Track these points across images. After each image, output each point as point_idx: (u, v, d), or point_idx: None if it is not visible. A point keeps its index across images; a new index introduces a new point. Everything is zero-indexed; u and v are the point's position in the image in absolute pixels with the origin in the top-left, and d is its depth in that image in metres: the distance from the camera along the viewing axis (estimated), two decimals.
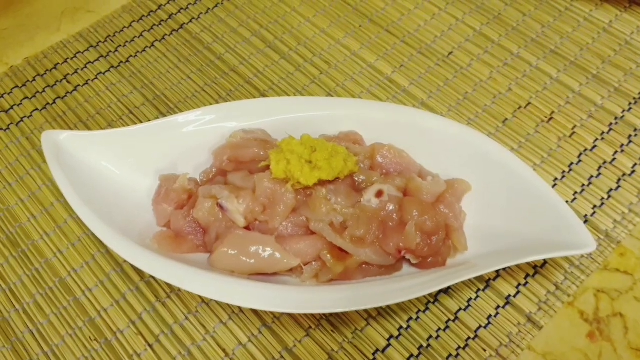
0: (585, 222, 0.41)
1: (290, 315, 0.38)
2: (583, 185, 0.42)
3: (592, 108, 0.46)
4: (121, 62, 0.52)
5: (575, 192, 0.42)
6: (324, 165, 0.37)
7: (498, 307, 0.38)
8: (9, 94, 0.50)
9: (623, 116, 0.46)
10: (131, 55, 0.52)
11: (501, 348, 0.36)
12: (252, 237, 0.37)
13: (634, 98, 0.47)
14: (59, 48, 0.53)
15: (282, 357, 0.36)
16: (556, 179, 0.43)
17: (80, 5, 0.57)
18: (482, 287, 0.38)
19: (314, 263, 0.37)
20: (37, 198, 0.44)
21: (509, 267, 0.39)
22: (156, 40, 0.53)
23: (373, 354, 0.36)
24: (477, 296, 0.38)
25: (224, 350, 0.37)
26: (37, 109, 0.49)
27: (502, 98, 0.47)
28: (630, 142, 0.44)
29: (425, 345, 0.36)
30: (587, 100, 0.47)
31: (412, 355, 0.36)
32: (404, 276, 0.37)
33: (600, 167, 0.43)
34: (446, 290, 0.38)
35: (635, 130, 0.45)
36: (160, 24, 0.54)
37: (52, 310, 0.39)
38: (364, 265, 0.37)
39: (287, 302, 0.35)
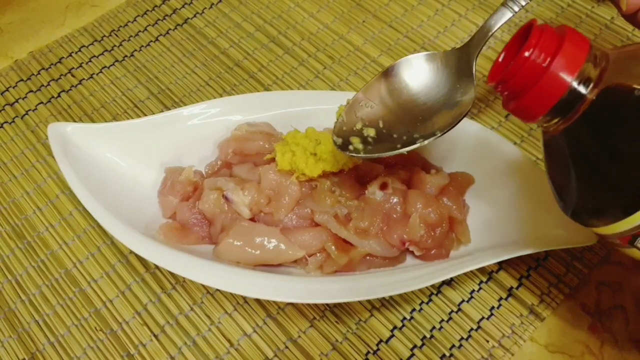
0: None
1: (294, 306, 0.38)
2: None
3: None
4: (126, 56, 0.52)
5: None
6: (329, 158, 0.37)
7: (501, 298, 0.38)
8: (14, 87, 0.51)
9: None
10: (136, 50, 0.52)
11: (504, 339, 0.36)
12: (257, 228, 0.37)
13: None
14: (64, 42, 0.53)
15: (286, 347, 0.37)
16: None
17: (84, 0, 0.57)
18: (484, 279, 0.39)
19: (318, 254, 0.37)
20: (43, 190, 0.44)
21: (511, 259, 0.39)
22: (160, 34, 0.53)
23: (377, 345, 0.37)
24: (480, 288, 0.38)
25: (228, 341, 0.37)
26: (42, 103, 0.49)
27: None
28: None
29: (428, 336, 0.37)
30: None
31: (415, 346, 0.36)
32: (407, 267, 0.37)
33: None
34: (449, 282, 0.39)
35: None
36: (164, 19, 0.54)
37: (58, 301, 0.39)
38: (368, 257, 0.37)
39: (291, 292, 0.35)
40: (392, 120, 0.35)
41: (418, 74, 0.36)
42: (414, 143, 0.33)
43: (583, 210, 0.27)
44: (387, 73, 0.36)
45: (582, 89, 0.25)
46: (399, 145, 0.34)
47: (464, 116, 0.33)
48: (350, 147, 0.34)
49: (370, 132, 0.35)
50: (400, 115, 0.35)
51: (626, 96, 0.25)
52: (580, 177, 0.26)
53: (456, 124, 0.33)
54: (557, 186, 0.29)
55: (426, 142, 0.33)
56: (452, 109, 0.34)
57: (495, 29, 0.34)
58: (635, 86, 0.25)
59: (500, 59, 0.28)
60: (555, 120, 0.26)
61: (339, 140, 0.35)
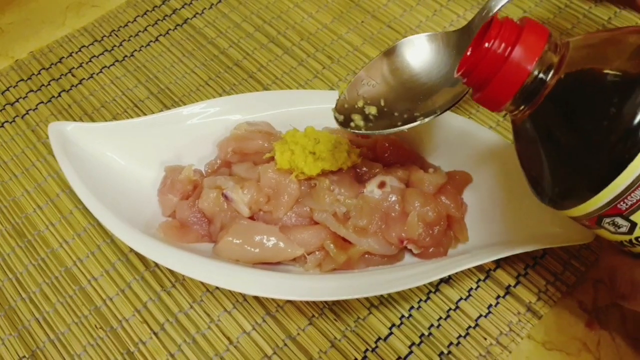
0: None
1: (293, 303, 0.38)
2: None
3: None
4: (126, 56, 0.52)
5: None
6: (327, 156, 0.38)
7: (498, 296, 0.38)
8: (14, 87, 0.51)
9: None
10: (136, 50, 0.53)
11: (501, 336, 0.37)
12: (256, 226, 0.37)
13: None
14: (64, 42, 0.54)
15: (285, 345, 0.37)
16: None
17: (84, 0, 0.57)
18: (482, 278, 0.39)
19: (317, 252, 0.37)
20: (43, 189, 0.45)
21: (508, 258, 0.39)
22: (160, 34, 0.53)
23: (375, 342, 0.37)
24: (478, 286, 0.39)
25: (228, 338, 0.37)
26: (42, 102, 0.50)
27: None
28: None
29: (426, 333, 0.37)
30: None
31: (413, 344, 0.37)
32: (405, 265, 0.38)
33: None
34: (447, 280, 0.39)
35: None
36: (164, 19, 0.55)
37: (58, 299, 0.40)
38: (366, 255, 0.38)
39: (290, 290, 0.35)
40: (394, 99, 0.36)
41: (420, 54, 0.36)
42: (415, 121, 0.34)
43: (553, 194, 0.28)
44: (389, 52, 0.37)
45: (542, 76, 0.26)
46: (399, 123, 0.34)
47: (464, 95, 0.33)
48: (352, 124, 0.35)
49: (372, 110, 0.35)
50: (402, 94, 0.36)
51: (584, 80, 0.26)
52: (546, 161, 0.27)
53: (456, 102, 0.33)
54: (528, 173, 0.30)
55: (427, 119, 0.33)
56: (452, 88, 0.34)
57: (496, 9, 0.35)
58: (593, 67, 0.26)
59: (468, 53, 0.28)
60: (521, 108, 0.27)
61: (341, 117, 0.35)
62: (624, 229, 0.27)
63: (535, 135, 0.28)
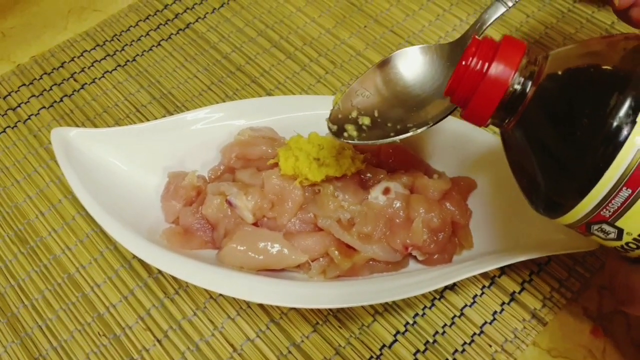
0: None
1: (297, 311, 0.38)
2: None
3: None
4: (128, 60, 0.52)
5: None
6: (331, 162, 0.38)
7: (503, 303, 0.38)
8: (16, 92, 0.51)
9: None
10: (138, 54, 0.52)
11: (506, 343, 0.37)
12: (260, 233, 0.37)
13: None
14: (66, 47, 0.53)
15: (289, 352, 0.37)
16: None
17: (86, 4, 0.57)
18: (487, 284, 0.39)
19: (321, 259, 0.37)
20: (45, 195, 0.45)
21: (513, 264, 0.39)
22: (162, 39, 0.53)
23: (380, 349, 0.37)
24: (483, 293, 0.38)
25: (232, 346, 0.37)
26: (44, 107, 0.50)
27: None
28: None
29: (431, 340, 0.37)
30: None
31: (418, 351, 0.37)
32: (410, 272, 0.38)
33: None
34: (452, 287, 0.39)
35: None
36: (166, 23, 0.54)
37: (61, 305, 0.39)
38: (371, 262, 0.37)
39: (294, 297, 0.35)
40: (387, 110, 0.36)
41: (413, 66, 0.37)
42: (408, 132, 0.34)
43: (544, 202, 0.29)
44: (384, 64, 0.37)
45: (521, 88, 0.27)
46: (392, 134, 0.34)
47: (456, 107, 0.33)
48: (345, 134, 0.35)
49: (365, 121, 0.35)
50: (395, 105, 0.36)
51: (558, 90, 0.27)
52: (533, 170, 0.28)
53: (449, 114, 0.34)
54: (520, 183, 0.30)
55: (419, 130, 0.34)
56: (445, 100, 0.35)
57: (489, 23, 0.35)
58: (566, 78, 0.27)
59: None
60: (506, 121, 0.28)
61: (334, 127, 0.35)
62: (612, 236, 0.27)
63: (521, 145, 0.28)
